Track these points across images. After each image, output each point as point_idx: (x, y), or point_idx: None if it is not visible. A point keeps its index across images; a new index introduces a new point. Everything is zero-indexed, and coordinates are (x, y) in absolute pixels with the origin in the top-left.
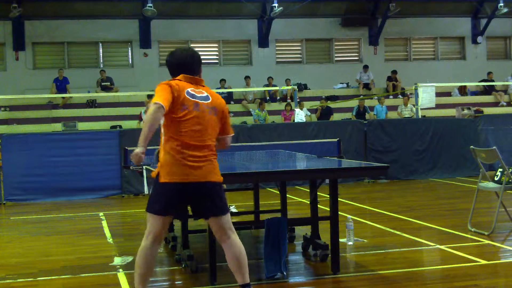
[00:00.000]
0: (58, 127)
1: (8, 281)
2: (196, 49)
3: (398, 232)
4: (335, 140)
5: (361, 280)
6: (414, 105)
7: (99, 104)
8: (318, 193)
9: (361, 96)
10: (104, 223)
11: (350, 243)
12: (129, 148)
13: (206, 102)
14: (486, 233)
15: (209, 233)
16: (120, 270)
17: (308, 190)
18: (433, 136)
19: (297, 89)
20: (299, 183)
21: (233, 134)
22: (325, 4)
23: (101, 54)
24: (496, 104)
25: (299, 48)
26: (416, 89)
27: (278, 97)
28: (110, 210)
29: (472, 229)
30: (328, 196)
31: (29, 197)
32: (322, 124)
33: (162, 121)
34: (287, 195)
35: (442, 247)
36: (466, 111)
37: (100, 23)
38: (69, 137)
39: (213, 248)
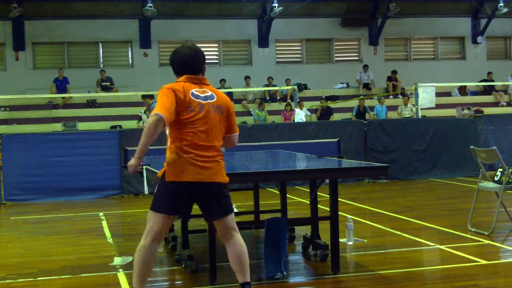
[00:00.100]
0: (58, 127)
1: (8, 281)
2: None
3: (398, 232)
4: (335, 140)
5: (361, 280)
6: (414, 105)
7: (99, 104)
8: (318, 193)
9: (361, 96)
10: (104, 223)
11: (350, 243)
12: (129, 148)
13: (211, 101)
14: (486, 233)
15: (209, 233)
16: (120, 270)
17: (308, 190)
18: (433, 136)
19: (297, 89)
20: (299, 183)
21: (238, 133)
22: (325, 4)
23: (101, 54)
24: (496, 104)
25: (299, 48)
26: (416, 89)
27: (278, 97)
28: (110, 210)
29: (472, 229)
30: (328, 196)
31: (29, 197)
32: (322, 124)
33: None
34: (287, 195)
35: (442, 247)
36: (466, 111)
37: (100, 23)
38: (69, 137)
39: (213, 248)
